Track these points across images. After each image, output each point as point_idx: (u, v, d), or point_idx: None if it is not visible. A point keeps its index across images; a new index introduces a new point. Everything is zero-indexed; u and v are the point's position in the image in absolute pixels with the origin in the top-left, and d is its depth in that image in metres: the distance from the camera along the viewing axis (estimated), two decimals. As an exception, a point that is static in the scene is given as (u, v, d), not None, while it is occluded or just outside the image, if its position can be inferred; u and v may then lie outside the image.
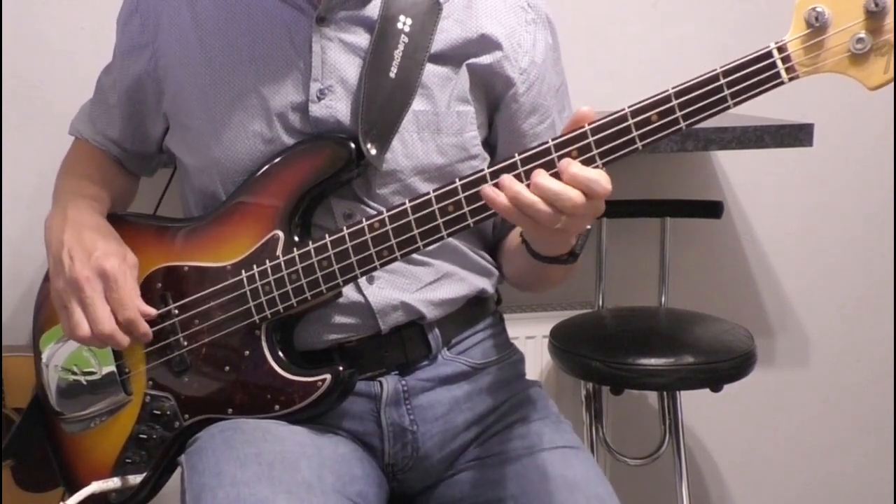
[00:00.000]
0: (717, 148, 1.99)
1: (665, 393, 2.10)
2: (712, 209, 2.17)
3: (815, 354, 2.47)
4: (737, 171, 2.32)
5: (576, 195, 1.06)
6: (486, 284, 1.39)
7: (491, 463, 1.34)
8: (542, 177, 1.08)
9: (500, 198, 1.09)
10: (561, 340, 1.98)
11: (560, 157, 1.10)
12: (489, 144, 1.37)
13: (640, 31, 2.23)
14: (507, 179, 1.10)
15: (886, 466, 2.51)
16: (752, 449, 2.48)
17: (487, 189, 1.11)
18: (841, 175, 2.38)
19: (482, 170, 1.14)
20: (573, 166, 1.07)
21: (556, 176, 1.08)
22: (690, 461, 2.38)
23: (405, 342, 1.33)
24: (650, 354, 1.85)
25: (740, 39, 2.21)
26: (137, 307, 1.28)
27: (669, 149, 1.92)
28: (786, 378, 2.45)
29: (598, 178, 1.07)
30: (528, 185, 1.09)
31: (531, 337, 2.14)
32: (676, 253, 2.23)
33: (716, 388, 1.92)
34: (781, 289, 2.41)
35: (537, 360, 2.13)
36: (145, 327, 1.29)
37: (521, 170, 1.11)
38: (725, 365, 1.87)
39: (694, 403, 2.19)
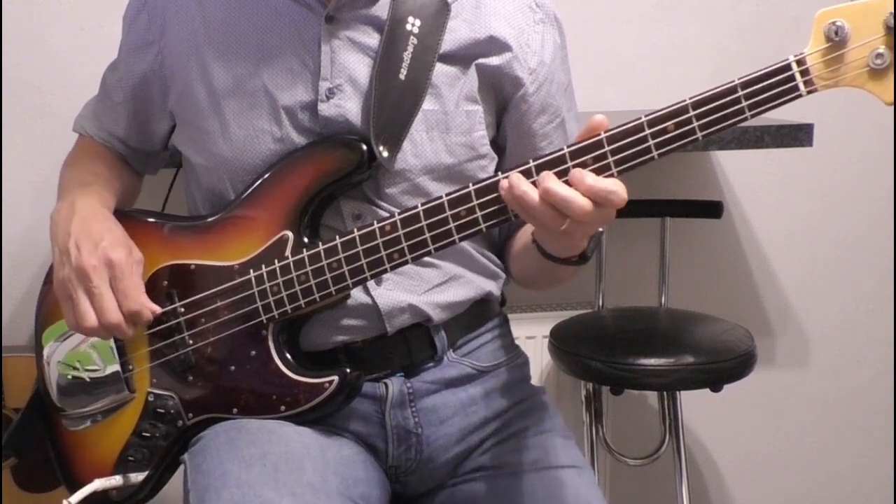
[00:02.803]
0: (717, 148, 1.99)
1: (665, 393, 2.09)
2: (712, 209, 2.17)
3: (815, 354, 2.47)
4: (737, 171, 2.32)
5: (584, 202, 1.06)
6: (492, 287, 1.39)
7: (497, 475, 1.33)
8: (550, 181, 1.08)
9: (506, 194, 1.10)
10: (561, 340, 1.98)
11: (576, 166, 1.09)
12: (498, 145, 1.37)
13: (641, 31, 2.23)
14: (516, 177, 1.10)
15: (886, 466, 2.52)
16: (752, 449, 2.48)
17: (503, 181, 1.12)
18: (841, 175, 2.38)
19: (496, 175, 1.14)
20: (588, 178, 1.07)
21: (569, 183, 1.08)
22: (690, 461, 2.38)
23: (411, 344, 1.33)
24: (650, 354, 1.85)
25: (740, 40, 2.23)
26: (142, 302, 1.27)
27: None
28: (786, 378, 2.45)
29: (616, 188, 1.07)
30: None
31: (531, 337, 2.14)
32: (676, 253, 2.22)
33: (716, 388, 1.92)
34: (781, 289, 2.41)
35: (537, 360, 2.12)
36: (149, 317, 1.27)
37: (536, 177, 1.10)
38: (725, 365, 1.87)
39: (694, 403, 2.19)
